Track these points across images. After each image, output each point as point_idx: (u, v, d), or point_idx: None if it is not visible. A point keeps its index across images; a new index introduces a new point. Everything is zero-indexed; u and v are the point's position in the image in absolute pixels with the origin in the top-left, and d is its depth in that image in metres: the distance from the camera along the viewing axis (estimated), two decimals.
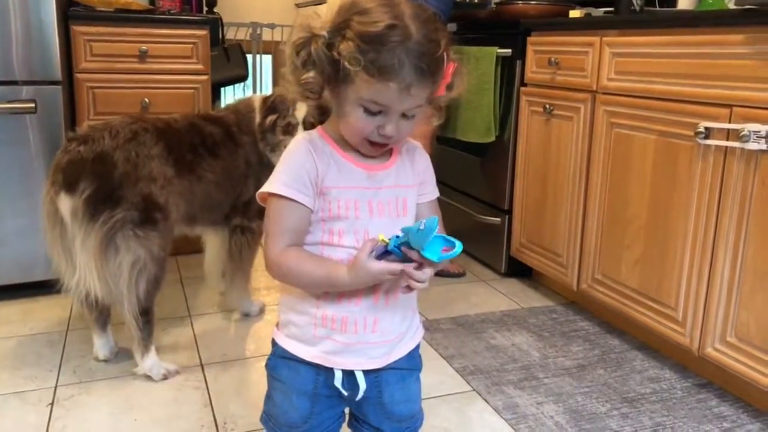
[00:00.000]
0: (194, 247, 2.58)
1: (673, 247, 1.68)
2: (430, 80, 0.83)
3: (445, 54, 0.83)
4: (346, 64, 0.81)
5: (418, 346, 1.02)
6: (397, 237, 0.83)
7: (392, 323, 0.94)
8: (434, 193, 1.00)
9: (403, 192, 0.94)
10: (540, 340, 1.94)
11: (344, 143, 0.91)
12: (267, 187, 0.90)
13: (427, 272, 0.84)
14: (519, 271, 2.45)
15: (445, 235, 0.83)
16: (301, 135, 0.94)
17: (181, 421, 1.47)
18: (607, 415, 1.54)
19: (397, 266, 0.83)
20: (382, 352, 0.95)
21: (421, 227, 0.79)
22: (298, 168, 0.89)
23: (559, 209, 2.13)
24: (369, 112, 0.84)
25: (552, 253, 2.19)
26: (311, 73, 0.85)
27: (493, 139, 2.35)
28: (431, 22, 0.84)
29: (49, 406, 1.51)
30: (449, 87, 0.89)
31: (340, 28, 0.83)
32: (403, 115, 0.85)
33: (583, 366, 1.78)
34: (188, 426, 1.45)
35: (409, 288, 0.86)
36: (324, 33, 0.83)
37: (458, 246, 0.81)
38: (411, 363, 1.00)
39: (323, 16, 0.85)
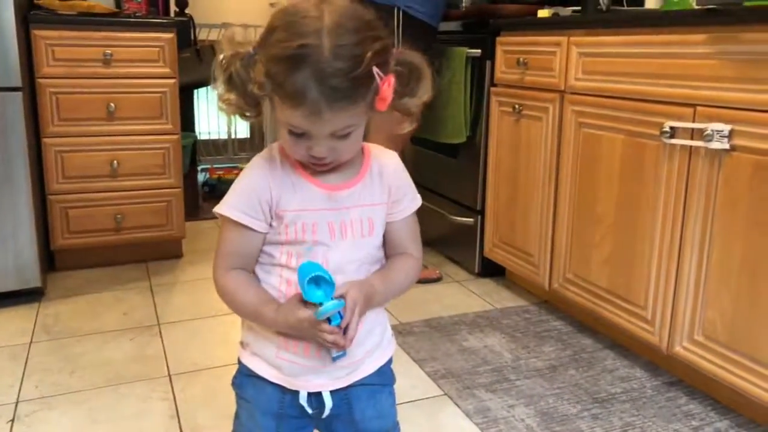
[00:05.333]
0: (164, 253, 2.56)
1: (641, 247, 1.69)
2: (347, 102, 0.76)
3: (374, 68, 0.76)
4: (255, 89, 0.77)
5: (390, 361, 0.99)
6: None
7: (359, 347, 0.90)
8: (408, 209, 0.94)
9: (369, 212, 0.89)
10: (513, 341, 1.94)
11: None
12: (218, 207, 0.88)
13: (347, 333, 0.82)
14: (493, 271, 2.45)
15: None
16: (261, 152, 0.90)
17: None
18: (578, 417, 1.54)
19: (318, 324, 0.81)
20: (348, 370, 0.92)
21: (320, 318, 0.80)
22: (249, 191, 0.86)
23: (530, 209, 2.13)
24: (294, 134, 0.80)
25: (524, 252, 2.18)
26: (232, 95, 0.81)
27: (464, 139, 2.34)
28: (360, 31, 0.75)
29: (10, 423, 1.47)
30: (409, 94, 0.83)
31: (260, 46, 0.78)
32: (337, 137, 0.80)
33: (554, 367, 1.78)
34: None
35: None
36: (249, 50, 0.79)
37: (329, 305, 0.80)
38: (382, 378, 0.97)
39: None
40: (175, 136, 2.43)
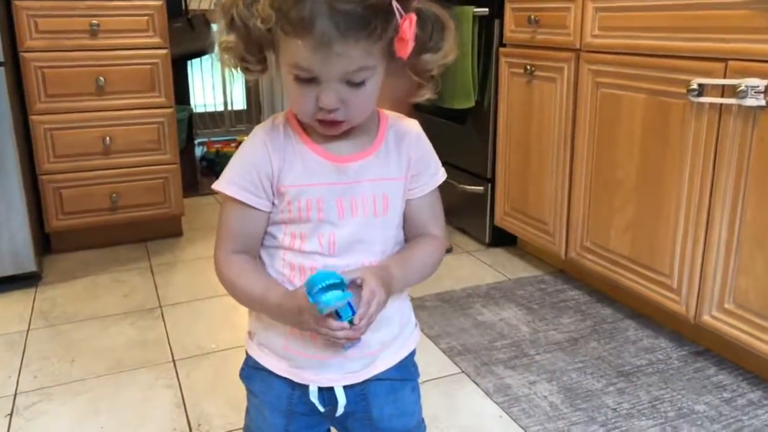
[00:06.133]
0: (163, 232, 2.47)
1: (666, 211, 1.60)
2: (361, 34, 0.65)
3: (394, 1, 0.66)
4: (259, 22, 0.67)
5: (413, 354, 0.90)
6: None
7: (374, 333, 0.80)
8: (430, 184, 0.84)
9: (383, 187, 0.79)
10: (529, 313, 1.86)
11: (312, 128, 0.76)
12: (216, 183, 0.79)
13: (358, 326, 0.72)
14: (504, 240, 2.37)
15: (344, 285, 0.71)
16: (264, 121, 0.81)
17: (151, 424, 1.37)
18: (603, 392, 1.47)
19: (323, 320, 0.71)
20: (363, 364, 0.83)
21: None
22: (248, 164, 0.77)
23: (543, 175, 2.03)
24: (301, 80, 0.70)
25: (537, 221, 2.10)
26: (231, 36, 0.71)
27: (472, 104, 2.24)
28: None
29: (8, 417, 1.40)
30: (432, 49, 0.72)
31: None
32: (349, 83, 0.69)
33: (575, 339, 1.71)
34: (159, 429, 1.35)
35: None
36: None
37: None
38: (403, 373, 0.88)
39: None
40: (169, 110, 2.32)
